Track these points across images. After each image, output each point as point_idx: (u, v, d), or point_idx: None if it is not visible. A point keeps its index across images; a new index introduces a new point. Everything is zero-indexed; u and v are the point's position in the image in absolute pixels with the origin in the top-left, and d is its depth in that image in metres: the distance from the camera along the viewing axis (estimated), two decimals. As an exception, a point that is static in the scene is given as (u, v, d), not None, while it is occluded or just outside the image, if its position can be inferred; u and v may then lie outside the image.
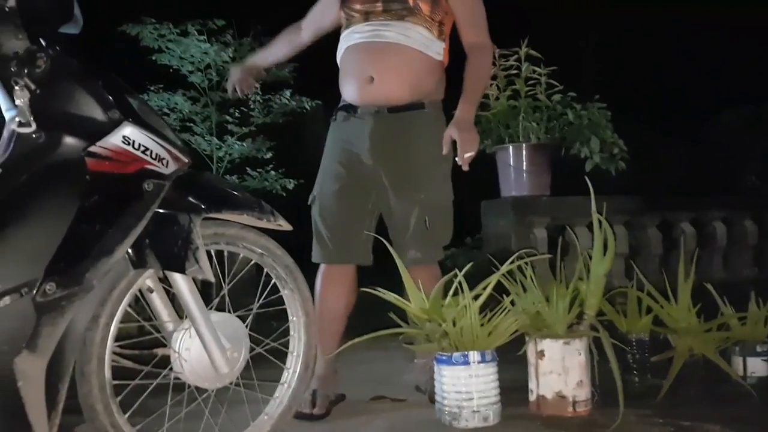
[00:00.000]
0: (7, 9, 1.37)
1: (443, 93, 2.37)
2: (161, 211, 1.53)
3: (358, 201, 2.30)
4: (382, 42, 2.25)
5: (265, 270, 1.83)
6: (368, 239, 2.32)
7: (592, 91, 4.56)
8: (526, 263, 2.17)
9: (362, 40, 2.27)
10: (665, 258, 4.70)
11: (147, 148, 1.50)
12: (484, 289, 2.09)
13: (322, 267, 2.35)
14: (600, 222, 2.20)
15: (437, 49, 2.29)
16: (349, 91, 2.31)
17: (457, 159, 2.19)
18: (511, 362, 2.18)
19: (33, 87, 1.38)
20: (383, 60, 2.24)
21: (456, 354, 2.01)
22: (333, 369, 2.34)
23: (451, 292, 2.09)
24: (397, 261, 2.19)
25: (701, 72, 9.02)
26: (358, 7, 2.30)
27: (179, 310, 1.66)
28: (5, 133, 1.43)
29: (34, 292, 1.31)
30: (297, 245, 2.18)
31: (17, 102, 1.37)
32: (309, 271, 2.09)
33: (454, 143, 2.20)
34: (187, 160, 1.59)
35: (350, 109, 2.33)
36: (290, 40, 2.55)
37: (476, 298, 2.06)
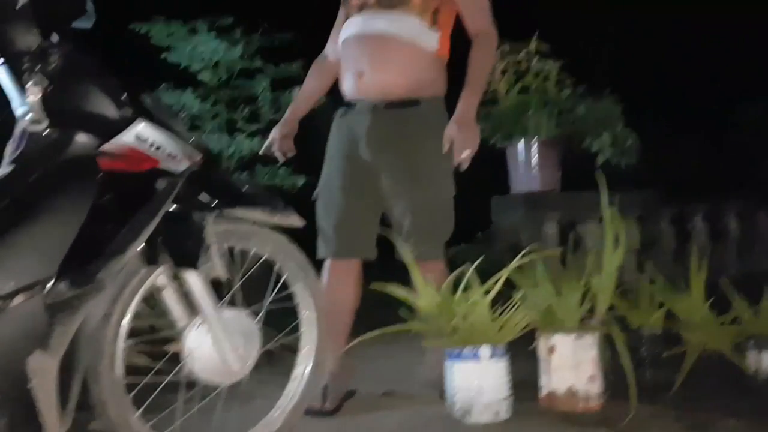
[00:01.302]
0: (19, 5, 1.36)
1: (444, 89, 2.31)
2: (174, 208, 1.54)
3: (359, 196, 2.30)
4: (372, 34, 2.22)
5: (277, 266, 1.83)
6: (371, 233, 2.31)
7: (603, 84, 4.53)
8: (537, 258, 2.17)
9: (354, 32, 2.26)
10: (678, 252, 4.67)
11: (160, 146, 1.50)
12: (495, 284, 2.08)
13: (327, 262, 2.35)
14: (611, 216, 2.19)
15: (431, 40, 2.22)
16: (346, 86, 2.32)
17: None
18: (522, 357, 2.17)
19: (46, 83, 1.37)
20: (373, 52, 2.22)
21: (467, 349, 2.01)
22: (343, 364, 2.34)
23: (461, 287, 2.09)
24: (405, 256, 2.18)
25: (716, 64, 8.94)
26: (354, 1, 2.29)
27: (191, 307, 1.67)
28: (17, 130, 1.42)
29: (47, 291, 1.31)
30: (308, 241, 2.18)
31: (29, 99, 1.37)
32: (319, 267, 2.10)
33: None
34: (199, 158, 1.59)
35: (349, 104, 2.32)
36: (326, 72, 2.47)
37: (487, 293, 2.06)
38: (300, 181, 5.75)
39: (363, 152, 2.27)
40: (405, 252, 2.18)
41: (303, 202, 2.42)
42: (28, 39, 1.38)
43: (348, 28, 2.30)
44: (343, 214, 2.29)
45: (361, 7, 2.26)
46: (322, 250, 2.35)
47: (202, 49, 5.42)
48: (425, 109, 2.25)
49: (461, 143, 2.14)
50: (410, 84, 2.23)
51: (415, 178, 2.24)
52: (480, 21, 2.27)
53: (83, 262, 1.36)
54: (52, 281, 1.32)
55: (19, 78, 1.38)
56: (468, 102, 2.20)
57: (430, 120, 2.25)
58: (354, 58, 2.27)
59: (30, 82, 1.36)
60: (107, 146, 1.43)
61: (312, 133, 2.42)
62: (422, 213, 2.23)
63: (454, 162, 2.16)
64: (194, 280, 1.60)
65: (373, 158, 2.26)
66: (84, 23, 1.50)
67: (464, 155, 2.13)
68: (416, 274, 2.14)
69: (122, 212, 1.44)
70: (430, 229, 2.26)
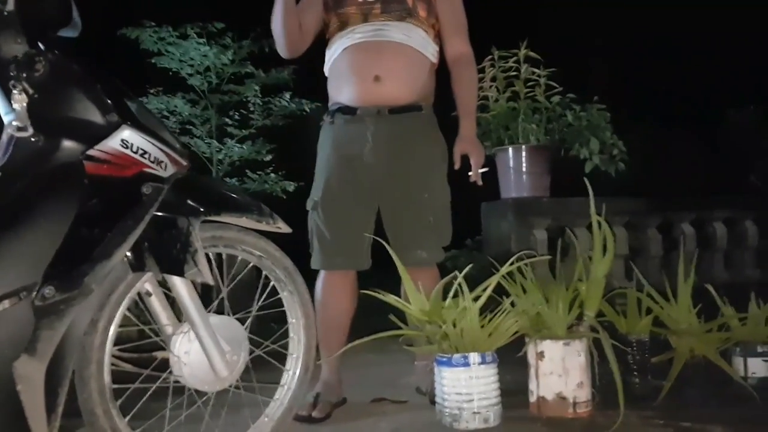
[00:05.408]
0: (6, 13, 1.37)
1: (433, 97, 2.38)
2: (160, 214, 1.53)
3: (363, 205, 2.28)
4: (387, 41, 2.24)
5: (264, 272, 1.83)
6: (369, 243, 2.30)
7: (592, 92, 4.56)
8: (526, 264, 2.17)
9: (365, 39, 2.25)
10: (666, 259, 4.70)
11: (145, 152, 1.50)
12: (484, 290, 2.09)
13: (323, 273, 2.32)
14: (599, 223, 2.20)
15: (433, 52, 2.32)
16: (349, 91, 2.28)
17: (470, 174, 2.24)
18: (512, 363, 2.18)
19: (31, 91, 1.38)
20: (390, 59, 2.24)
21: (456, 356, 2.01)
22: (338, 375, 2.33)
23: (451, 294, 2.09)
24: (398, 263, 2.18)
25: (703, 71, 9.01)
26: (353, 9, 2.28)
27: (178, 313, 1.66)
28: (4, 137, 1.42)
29: (33, 296, 1.31)
30: (298, 247, 2.17)
31: (15, 106, 1.37)
32: (307, 274, 2.09)
33: (463, 157, 2.26)
34: (185, 163, 1.59)
35: (348, 111, 2.29)
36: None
37: (476, 299, 2.06)
38: (290, 186, 5.75)
39: (367, 158, 2.25)
40: (397, 259, 2.18)
41: (293, 208, 2.42)
42: (14, 47, 1.38)
43: (352, 35, 2.26)
44: (349, 225, 2.26)
45: (366, 17, 2.26)
46: (320, 262, 2.30)
47: (193, 54, 5.42)
48: (425, 114, 2.32)
49: (479, 160, 2.25)
50: (417, 91, 2.28)
51: (422, 182, 2.26)
52: (464, 43, 2.37)
53: (70, 267, 1.36)
54: (38, 286, 1.31)
55: (5, 85, 1.38)
56: (469, 125, 2.30)
57: (430, 124, 2.33)
58: (366, 63, 2.24)
59: (15, 90, 1.36)
60: (93, 151, 1.43)
61: (303, 140, 2.41)
62: (429, 216, 2.25)
63: (471, 176, 2.25)
64: (181, 286, 1.59)
65: (377, 163, 2.25)
66: (70, 32, 1.50)
67: (482, 170, 2.24)
68: (407, 281, 2.14)
69: (109, 217, 1.44)
70: (433, 234, 2.27)
